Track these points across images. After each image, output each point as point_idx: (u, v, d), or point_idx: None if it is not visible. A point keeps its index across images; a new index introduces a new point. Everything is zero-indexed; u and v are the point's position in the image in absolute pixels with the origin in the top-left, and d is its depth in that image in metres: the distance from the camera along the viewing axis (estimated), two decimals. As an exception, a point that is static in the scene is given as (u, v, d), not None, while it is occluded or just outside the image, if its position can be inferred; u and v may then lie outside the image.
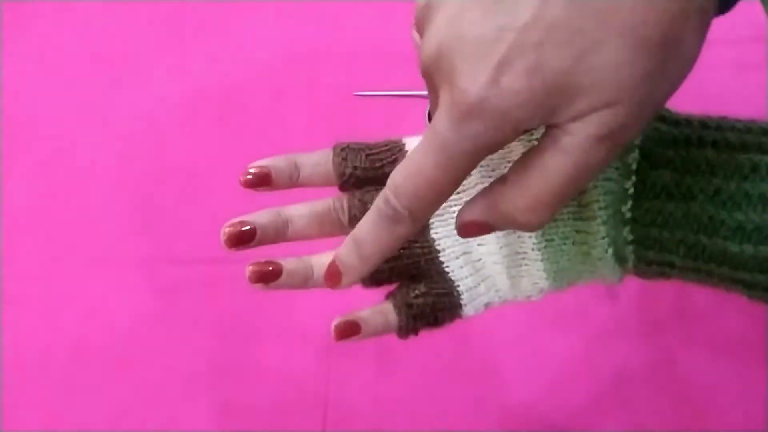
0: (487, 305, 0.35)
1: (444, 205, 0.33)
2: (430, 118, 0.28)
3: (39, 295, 0.64)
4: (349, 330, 0.33)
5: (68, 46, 0.76)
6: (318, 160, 0.34)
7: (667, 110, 0.31)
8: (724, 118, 0.30)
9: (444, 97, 0.24)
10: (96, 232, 0.66)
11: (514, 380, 0.56)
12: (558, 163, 0.24)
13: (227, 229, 0.32)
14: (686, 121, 0.30)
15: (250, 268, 0.33)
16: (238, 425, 0.58)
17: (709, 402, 0.54)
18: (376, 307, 0.34)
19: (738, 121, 0.29)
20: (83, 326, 0.62)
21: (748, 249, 0.26)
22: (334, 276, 0.29)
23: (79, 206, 0.67)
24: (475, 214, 0.27)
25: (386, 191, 0.27)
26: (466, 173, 0.25)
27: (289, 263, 0.33)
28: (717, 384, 0.54)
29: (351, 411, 0.57)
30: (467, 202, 0.28)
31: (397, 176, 0.26)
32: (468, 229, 0.28)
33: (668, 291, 0.55)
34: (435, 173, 0.25)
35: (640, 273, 0.32)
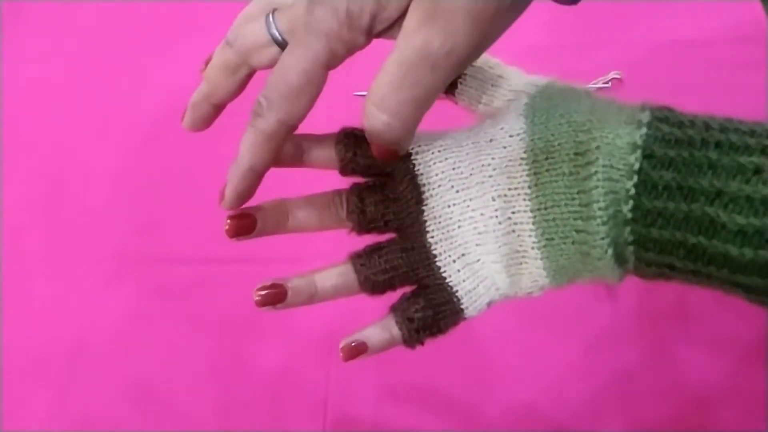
0: (489, 304, 0.35)
1: (441, 205, 0.33)
2: None
3: (39, 295, 0.64)
4: (356, 351, 0.34)
5: (68, 46, 0.76)
6: (321, 142, 0.35)
7: (671, 110, 0.31)
8: (728, 119, 0.29)
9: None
10: (96, 232, 0.66)
11: (514, 380, 0.56)
12: (393, 56, 0.28)
13: (229, 220, 0.33)
14: (690, 122, 0.30)
15: (257, 295, 0.34)
16: (238, 425, 0.58)
17: (709, 402, 0.54)
18: (379, 323, 0.35)
19: (742, 122, 0.29)
20: (83, 326, 0.62)
21: (748, 252, 0.26)
22: (222, 193, 0.32)
23: (78, 206, 0.67)
24: (363, 121, 0.31)
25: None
26: (318, 73, 0.30)
27: (293, 283, 0.34)
28: (717, 384, 0.54)
29: (351, 411, 0.57)
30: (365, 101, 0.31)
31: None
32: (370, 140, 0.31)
33: (668, 291, 0.54)
34: (288, 71, 0.30)
35: (640, 274, 0.32)
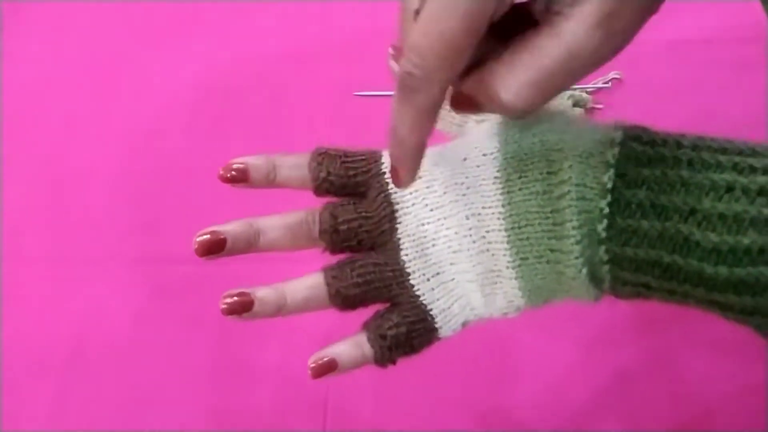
0: (464, 324, 0.34)
1: (416, 224, 0.33)
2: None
3: (39, 295, 0.64)
4: (326, 368, 0.34)
5: (68, 46, 0.76)
6: (296, 162, 0.35)
7: (644, 129, 0.30)
8: (699, 137, 0.29)
9: None
10: (96, 232, 0.66)
11: (514, 380, 0.56)
12: (550, 46, 0.25)
13: (197, 238, 0.33)
14: (662, 141, 0.29)
15: (223, 303, 0.33)
16: (238, 425, 0.58)
17: (709, 402, 0.54)
18: (351, 339, 0.34)
19: (714, 139, 0.29)
20: (83, 326, 0.62)
21: (723, 270, 0.26)
22: (394, 175, 0.30)
23: (78, 206, 0.67)
24: (464, 85, 0.28)
25: (401, 62, 0.26)
26: (479, 21, 0.24)
27: (261, 293, 0.33)
28: (717, 384, 0.54)
29: (351, 411, 0.57)
30: (465, 79, 0.28)
31: (410, 38, 0.25)
32: (458, 101, 0.28)
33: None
34: (445, 21, 0.24)
35: (616, 293, 0.31)
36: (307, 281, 0.34)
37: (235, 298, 0.33)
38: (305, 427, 0.57)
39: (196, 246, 0.33)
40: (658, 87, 0.64)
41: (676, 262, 0.27)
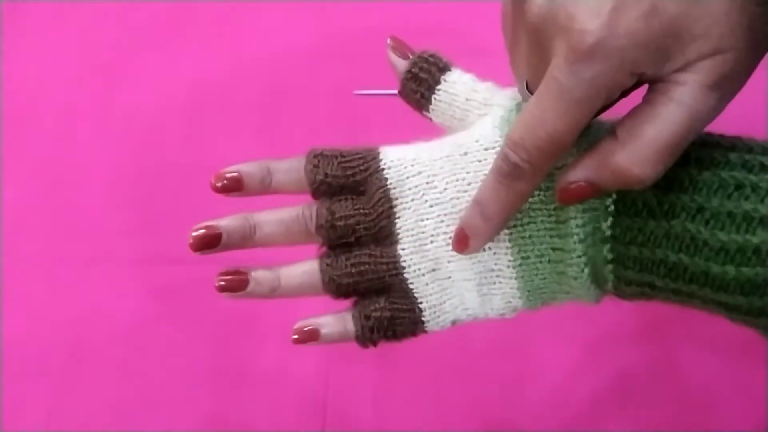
0: (453, 322, 0.34)
1: (415, 219, 0.33)
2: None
3: (38, 295, 0.64)
4: (308, 336, 0.34)
5: (68, 46, 0.76)
6: (291, 166, 0.34)
7: None
8: (708, 134, 0.29)
9: (560, 46, 0.25)
10: (95, 232, 0.66)
11: (515, 381, 0.56)
12: (671, 113, 0.25)
13: (193, 233, 0.33)
14: None
15: (219, 280, 0.34)
16: (238, 425, 0.58)
17: (710, 402, 0.54)
18: (337, 314, 0.35)
19: (722, 137, 0.29)
20: (83, 326, 0.62)
21: (731, 270, 0.26)
22: (462, 241, 0.31)
23: (77, 206, 0.67)
24: (582, 174, 0.27)
25: (504, 149, 0.27)
26: (584, 121, 0.26)
27: (257, 273, 0.34)
28: (717, 384, 0.54)
29: (351, 411, 0.57)
30: (568, 166, 0.28)
31: (515, 132, 0.27)
32: (571, 192, 0.28)
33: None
34: (554, 122, 0.25)
35: (619, 293, 0.31)
36: (302, 267, 0.34)
37: (231, 276, 0.34)
38: (305, 427, 0.57)
39: (192, 241, 0.33)
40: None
41: (682, 262, 0.27)
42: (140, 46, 0.74)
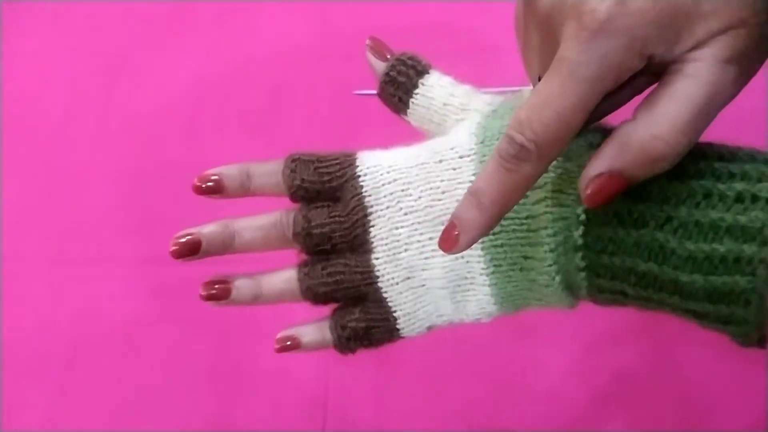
0: (429, 328, 0.34)
1: (389, 227, 0.33)
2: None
3: (38, 294, 0.64)
4: (289, 346, 0.35)
5: (68, 46, 0.76)
6: (270, 169, 0.34)
7: None
8: None
9: (570, 28, 0.25)
10: (95, 232, 0.66)
11: (515, 380, 0.56)
12: (689, 87, 0.25)
13: (173, 241, 0.33)
14: None
15: (203, 290, 0.34)
16: (238, 425, 0.58)
17: (710, 402, 0.54)
18: (317, 323, 0.35)
19: (696, 145, 0.28)
20: (82, 326, 0.62)
21: (698, 279, 0.25)
22: (449, 239, 0.28)
23: (78, 206, 0.67)
24: (604, 164, 0.26)
25: (509, 131, 0.26)
26: (593, 101, 0.25)
27: (239, 282, 0.34)
28: (717, 384, 0.54)
29: (351, 411, 0.57)
30: (589, 163, 0.27)
31: (521, 112, 0.26)
32: (596, 187, 0.26)
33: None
34: (562, 101, 0.25)
35: (594, 300, 0.31)
36: (283, 275, 0.35)
37: (215, 286, 0.34)
38: (305, 427, 0.57)
39: (172, 249, 0.33)
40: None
41: (651, 270, 0.27)
42: (140, 46, 0.74)
